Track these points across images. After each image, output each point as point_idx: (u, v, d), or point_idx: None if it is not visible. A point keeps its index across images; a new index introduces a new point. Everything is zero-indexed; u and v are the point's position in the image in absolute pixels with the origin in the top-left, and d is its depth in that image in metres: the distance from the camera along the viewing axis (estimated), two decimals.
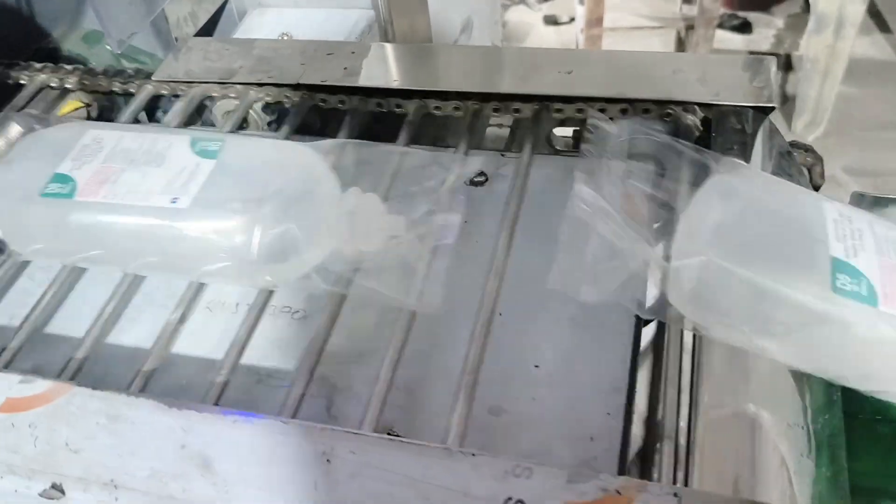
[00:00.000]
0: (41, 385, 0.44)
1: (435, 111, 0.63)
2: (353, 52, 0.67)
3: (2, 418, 0.42)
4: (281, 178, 0.51)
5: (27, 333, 0.52)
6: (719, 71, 0.59)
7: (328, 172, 0.52)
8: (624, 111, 0.59)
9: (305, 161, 0.53)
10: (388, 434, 0.42)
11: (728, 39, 2.17)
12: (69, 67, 0.72)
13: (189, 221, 0.49)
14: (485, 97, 0.62)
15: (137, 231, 0.50)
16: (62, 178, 0.52)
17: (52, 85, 0.71)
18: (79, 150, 0.54)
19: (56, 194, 0.51)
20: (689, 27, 2.15)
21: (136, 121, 0.67)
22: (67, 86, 0.71)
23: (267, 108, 0.68)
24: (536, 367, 0.47)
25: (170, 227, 0.49)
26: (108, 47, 0.76)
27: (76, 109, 0.71)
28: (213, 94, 0.67)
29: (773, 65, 0.58)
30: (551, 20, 2.38)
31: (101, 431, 0.41)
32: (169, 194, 0.50)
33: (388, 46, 0.69)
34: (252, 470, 0.39)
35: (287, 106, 0.66)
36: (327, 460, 0.39)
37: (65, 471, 0.40)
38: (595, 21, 2.00)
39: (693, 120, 0.57)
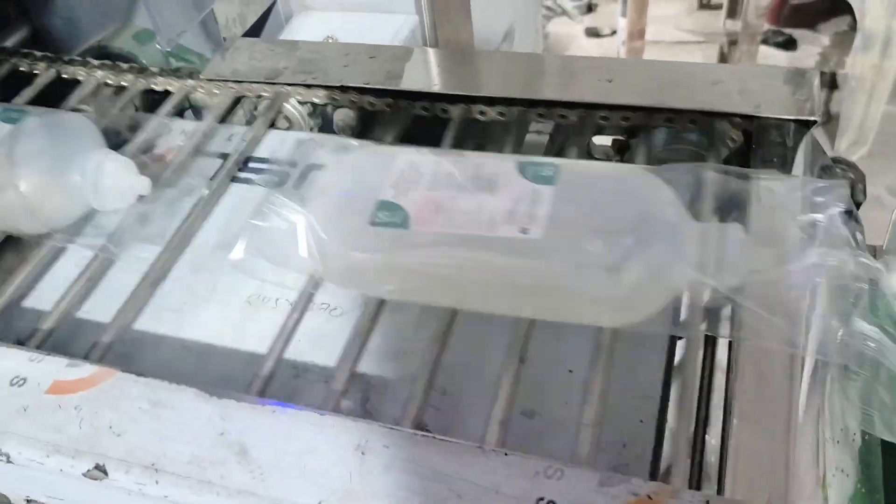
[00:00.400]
0: (87, 369, 0.45)
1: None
2: (395, 56, 0.68)
3: (49, 400, 0.44)
4: (632, 208, 0.47)
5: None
6: (760, 83, 0.59)
7: (675, 199, 0.48)
8: (669, 120, 0.59)
9: (649, 186, 0.49)
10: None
11: (772, 56, 2.15)
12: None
13: (545, 253, 0.46)
14: (531, 103, 0.62)
15: (482, 263, 0.47)
16: (390, 207, 0.49)
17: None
18: (397, 176, 0.51)
19: (388, 224, 0.48)
20: (733, 42, 2.13)
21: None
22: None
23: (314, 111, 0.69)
24: (570, 371, 0.48)
25: (523, 259, 0.46)
26: (158, 46, 0.78)
27: None
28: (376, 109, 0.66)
29: (816, 78, 0.58)
30: (593, 32, 2.38)
31: (144, 416, 0.43)
32: (515, 224, 0.47)
33: (430, 51, 0.70)
34: (288, 459, 0.40)
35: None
36: (362, 453, 0.40)
37: (108, 453, 0.41)
38: (637, 34, 2.00)
39: (735, 133, 0.57)
